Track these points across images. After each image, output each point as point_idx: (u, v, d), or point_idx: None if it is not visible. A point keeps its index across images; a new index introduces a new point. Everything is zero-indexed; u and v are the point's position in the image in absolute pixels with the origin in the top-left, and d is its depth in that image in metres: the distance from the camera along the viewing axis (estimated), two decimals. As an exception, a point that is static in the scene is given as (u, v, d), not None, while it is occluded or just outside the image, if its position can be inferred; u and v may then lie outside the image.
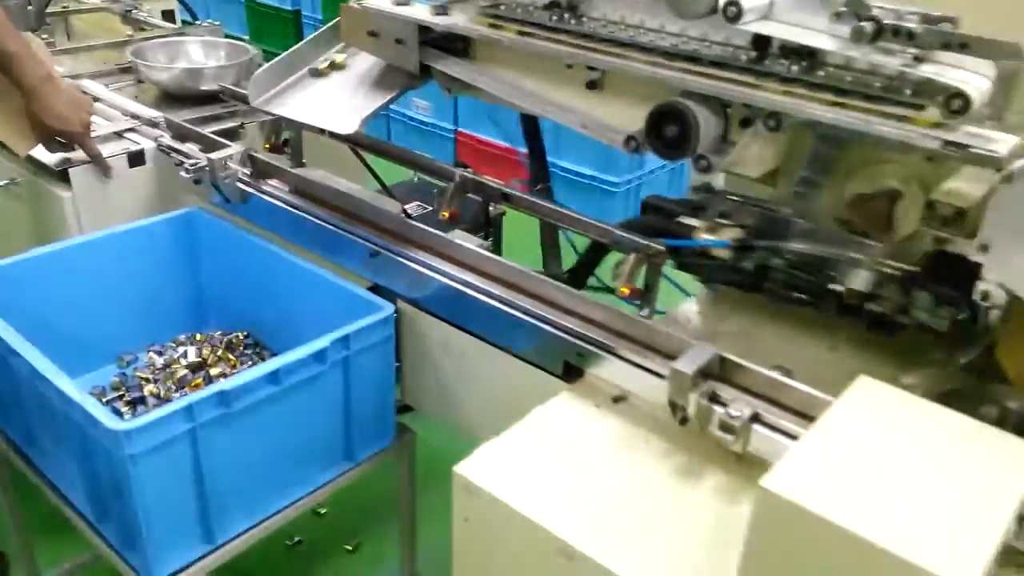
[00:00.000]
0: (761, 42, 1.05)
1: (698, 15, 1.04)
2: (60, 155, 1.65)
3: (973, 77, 0.89)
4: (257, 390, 1.20)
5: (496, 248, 1.67)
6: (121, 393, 1.52)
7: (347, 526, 2.14)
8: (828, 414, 0.83)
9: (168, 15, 2.59)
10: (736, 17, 1.00)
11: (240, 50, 2.11)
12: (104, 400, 1.49)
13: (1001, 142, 0.88)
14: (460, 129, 4.17)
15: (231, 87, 1.96)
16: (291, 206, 1.50)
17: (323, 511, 2.13)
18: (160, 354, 1.62)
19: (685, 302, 1.38)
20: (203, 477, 1.19)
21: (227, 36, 2.29)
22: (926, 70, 0.91)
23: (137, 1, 2.47)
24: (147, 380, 1.54)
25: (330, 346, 1.26)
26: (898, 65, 0.92)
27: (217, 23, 2.31)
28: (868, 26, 0.91)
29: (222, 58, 2.12)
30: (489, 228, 1.55)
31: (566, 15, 1.21)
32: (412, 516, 1.62)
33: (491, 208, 1.49)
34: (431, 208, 1.77)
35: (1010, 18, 0.93)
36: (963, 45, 0.88)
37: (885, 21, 0.92)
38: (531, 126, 1.68)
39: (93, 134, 1.68)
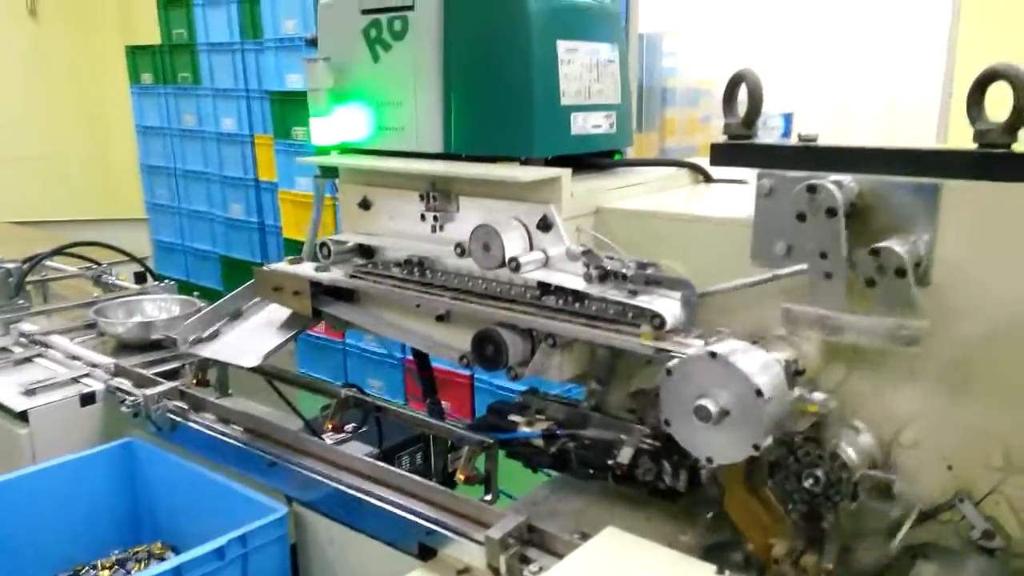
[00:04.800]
0: (544, 284, 1.43)
1: (494, 267, 1.43)
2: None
3: (668, 303, 1.26)
4: (163, 585, 1.44)
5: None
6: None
7: None
8: (573, 553, 1.10)
9: (140, 276, 3.03)
10: (517, 269, 1.39)
11: (188, 304, 2.51)
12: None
13: (693, 348, 1.23)
14: (407, 357, 4.56)
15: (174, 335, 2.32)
16: (210, 429, 1.80)
17: None
18: (94, 567, 1.83)
19: (535, 488, 1.66)
20: (111, 666, 1.39)
21: (198, 288, 2.67)
22: (640, 300, 1.29)
23: (107, 268, 2.91)
24: (75, 595, 1.75)
25: (227, 544, 1.51)
26: (620, 298, 1.29)
27: (172, 283, 2.74)
28: (595, 272, 1.30)
29: (174, 311, 2.51)
30: (380, 431, 1.86)
31: (415, 270, 1.61)
32: None
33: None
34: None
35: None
36: (657, 282, 1.26)
37: (609, 268, 1.31)
38: (419, 352, 2.03)
39: (51, 380, 2.02)
